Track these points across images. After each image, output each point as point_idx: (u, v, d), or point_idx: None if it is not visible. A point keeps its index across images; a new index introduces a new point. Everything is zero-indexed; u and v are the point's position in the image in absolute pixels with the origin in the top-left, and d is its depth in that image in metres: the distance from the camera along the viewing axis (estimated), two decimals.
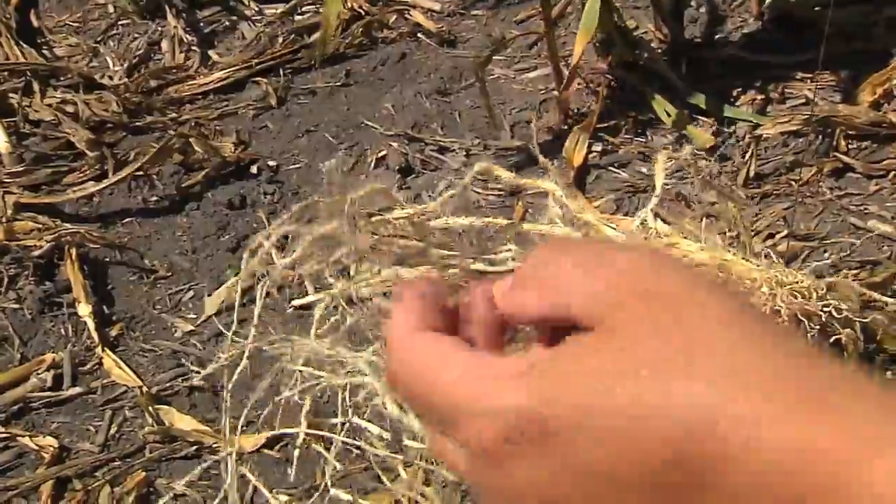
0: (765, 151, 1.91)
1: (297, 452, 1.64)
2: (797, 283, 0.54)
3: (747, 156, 1.89)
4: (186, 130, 2.22)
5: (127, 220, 2.10)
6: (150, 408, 1.72)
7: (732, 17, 2.20)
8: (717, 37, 2.17)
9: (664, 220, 0.60)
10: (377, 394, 0.57)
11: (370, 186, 0.64)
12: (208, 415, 1.73)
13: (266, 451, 1.66)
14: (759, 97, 2.02)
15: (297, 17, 2.56)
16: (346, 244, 0.61)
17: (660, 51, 2.11)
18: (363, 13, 2.46)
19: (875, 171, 1.85)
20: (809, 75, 2.04)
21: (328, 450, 0.60)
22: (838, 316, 0.53)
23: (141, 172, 2.14)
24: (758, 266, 0.55)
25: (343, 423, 0.58)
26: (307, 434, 0.58)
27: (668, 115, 1.93)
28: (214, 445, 1.68)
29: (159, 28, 2.59)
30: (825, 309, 0.53)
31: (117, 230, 2.09)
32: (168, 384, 1.78)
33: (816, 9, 2.14)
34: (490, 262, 0.63)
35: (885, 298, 0.61)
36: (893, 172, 1.85)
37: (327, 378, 0.58)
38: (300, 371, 0.60)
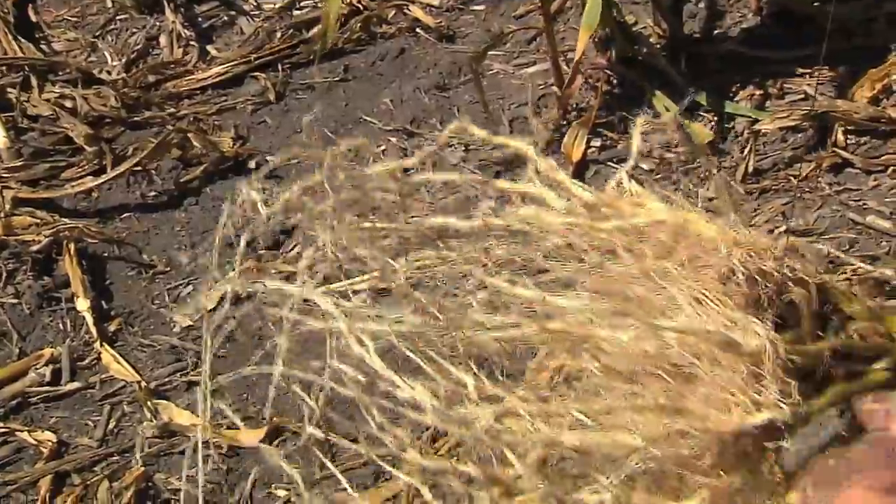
0: (763, 147, 1.91)
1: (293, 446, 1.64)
2: (755, 243, 0.54)
3: (746, 151, 1.89)
4: (185, 125, 2.22)
5: (125, 215, 2.10)
6: (149, 403, 1.72)
7: (731, 13, 2.20)
8: (715, 32, 2.17)
9: (639, 183, 0.61)
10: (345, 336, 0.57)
11: (351, 140, 0.64)
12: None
13: (265, 445, 1.66)
14: (758, 92, 2.01)
15: (296, 12, 2.56)
16: (328, 196, 0.62)
17: (659, 46, 2.11)
18: (362, 8, 2.46)
19: (874, 166, 1.85)
20: (808, 71, 2.03)
21: (307, 393, 0.61)
22: (793, 276, 0.54)
23: (139, 167, 2.14)
24: (717, 226, 0.55)
25: (322, 367, 0.58)
26: (283, 376, 0.58)
27: (668, 110, 1.93)
28: (213, 440, 1.67)
29: (157, 23, 2.59)
30: (781, 270, 0.53)
31: (116, 225, 2.08)
32: (167, 379, 1.78)
33: (815, 4, 2.14)
34: (467, 217, 0.63)
35: (851, 260, 0.61)
36: (892, 168, 1.85)
37: (310, 324, 0.58)
38: (283, 318, 0.60)
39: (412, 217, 0.63)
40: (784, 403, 0.52)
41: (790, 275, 0.55)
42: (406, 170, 0.67)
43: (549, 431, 0.53)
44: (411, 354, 0.57)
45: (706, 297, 0.53)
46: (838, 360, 0.55)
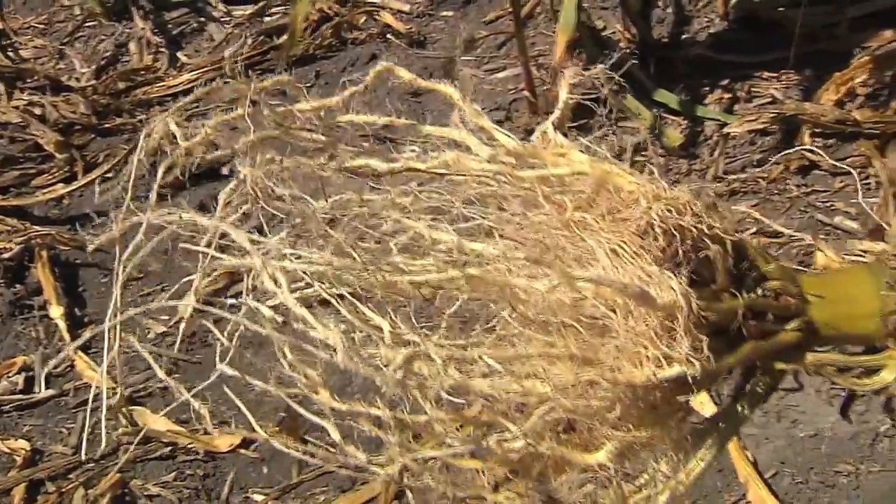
0: (733, 149, 1.94)
1: (269, 450, 1.64)
2: (674, 198, 0.55)
3: (716, 153, 1.91)
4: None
5: (97, 221, 2.09)
6: (124, 409, 1.71)
7: (699, 18, 2.23)
8: (684, 37, 2.20)
9: (564, 135, 0.61)
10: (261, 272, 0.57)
11: (276, 78, 0.64)
12: (182, 415, 1.73)
13: (242, 450, 1.66)
14: (727, 96, 2.04)
15: (266, 19, 2.56)
16: (250, 132, 0.62)
17: (628, 51, 2.13)
18: (332, 15, 2.46)
19: (840, 168, 1.88)
20: (775, 75, 2.07)
21: (219, 328, 0.60)
22: (710, 233, 0.54)
23: (111, 174, 2.13)
24: (638, 180, 0.56)
25: (238, 305, 0.58)
26: (195, 308, 0.58)
27: (639, 114, 1.95)
28: (189, 446, 1.67)
29: (126, 30, 2.58)
30: (698, 225, 0.54)
31: (88, 232, 2.07)
32: (142, 385, 1.77)
33: (780, 9, 2.18)
34: (390, 160, 0.63)
35: (776, 225, 0.62)
36: (858, 169, 1.88)
37: (225, 260, 0.58)
38: (202, 253, 0.60)
39: (334, 157, 0.63)
40: (695, 358, 0.53)
41: (707, 231, 0.55)
42: (331, 111, 0.67)
43: (460, 377, 0.54)
44: (326, 295, 0.56)
45: (623, 250, 0.54)
46: (752, 318, 0.55)
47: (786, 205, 1.84)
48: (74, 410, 1.77)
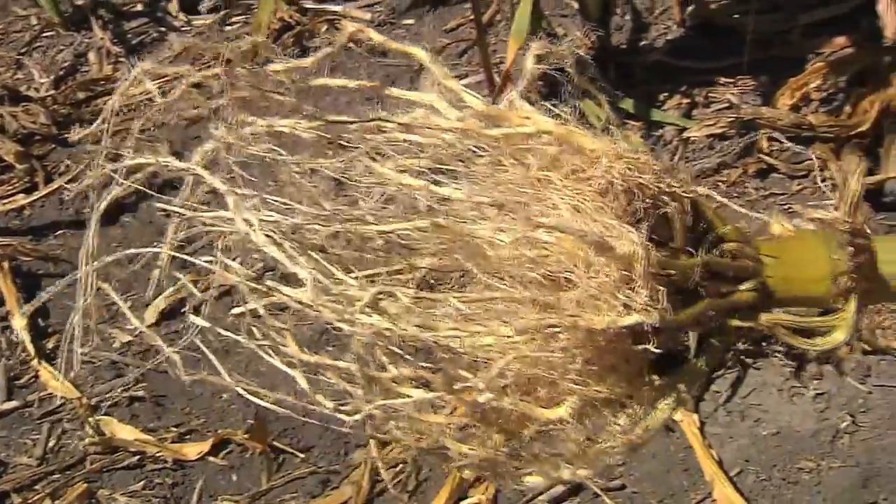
0: (692, 154, 1.97)
1: (239, 459, 1.64)
2: (635, 158, 0.57)
3: (676, 158, 1.94)
4: (118, 142, 2.20)
5: (59, 232, 2.08)
6: (91, 419, 1.70)
7: (656, 25, 2.26)
8: (642, 44, 2.23)
9: (530, 103, 0.63)
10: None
11: (250, 39, 0.65)
12: (150, 424, 1.72)
13: (211, 458, 1.66)
14: (685, 101, 2.08)
15: (227, 28, 2.56)
16: (223, 92, 0.62)
17: (588, 57, 2.16)
18: (294, 24, 2.47)
19: (797, 171, 1.92)
20: (731, 80, 2.10)
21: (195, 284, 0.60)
22: (670, 191, 0.56)
23: (72, 184, 2.12)
24: (600, 140, 0.58)
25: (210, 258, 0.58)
26: (169, 255, 0.58)
27: (599, 119, 1.98)
28: (157, 454, 1.67)
29: (85, 40, 2.57)
30: (658, 184, 0.56)
31: (49, 242, 2.06)
32: (108, 395, 1.76)
33: (736, 16, 2.21)
34: (359, 115, 0.64)
35: (733, 205, 0.64)
36: (814, 172, 1.92)
37: (200, 214, 0.58)
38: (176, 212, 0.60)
39: (306, 116, 0.64)
40: (653, 308, 0.54)
41: (666, 189, 0.57)
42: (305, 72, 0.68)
43: (426, 315, 0.55)
44: (295, 251, 0.56)
45: (585, 206, 0.55)
46: (708, 279, 0.57)
47: (745, 207, 1.86)
48: (39, 421, 1.75)
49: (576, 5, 2.24)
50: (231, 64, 0.65)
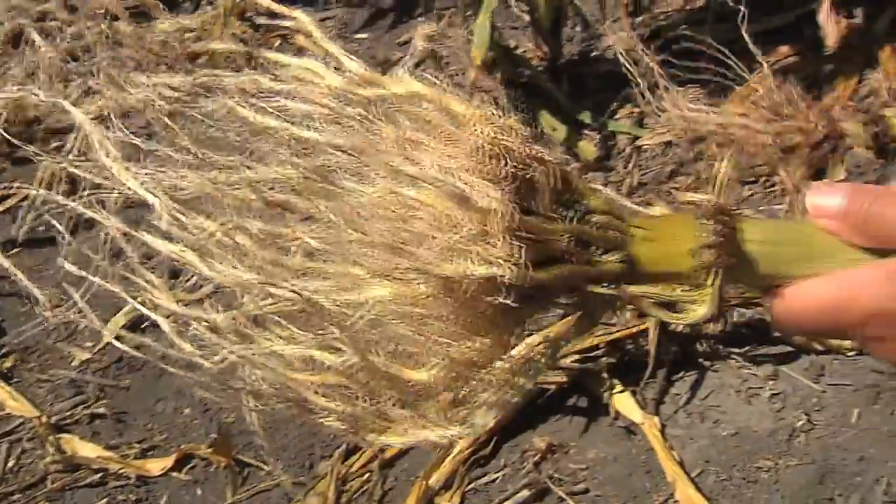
0: (646, 161, 2.01)
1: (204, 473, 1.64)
2: (504, 121, 0.58)
3: (630, 166, 1.98)
4: (71, 160, 2.18)
5: (14, 250, 2.06)
6: (51, 437, 1.69)
7: (606, 36, 2.30)
8: (593, 54, 2.26)
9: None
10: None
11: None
12: (111, 441, 1.71)
13: (174, 473, 1.65)
14: (636, 110, 2.11)
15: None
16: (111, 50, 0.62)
17: (541, 69, 2.19)
18: (247, 39, 2.47)
19: (747, 177, 1.96)
20: (682, 89, 2.14)
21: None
22: (537, 155, 0.58)
23: (26, 202, 2.10)
24: (469, 104, 0.59)
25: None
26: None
27: (555, 129, 2.01)
28: (120, 471, 1.66)
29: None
30: (525, 149, 0.57)
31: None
32: (68, 413, 1.75)
33: (684, 27, 2.25)
34: (236, 74, 0.65)
35: (628, 203, 0.65)
36: (763, 178, 1.96)
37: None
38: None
39: (186, 72, 0.64)
40: (509, 262, 0.55)
41: (534, 154, 0.58)
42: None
43: (277, 252, 0.55)
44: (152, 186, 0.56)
45: (452, 165, 0.56)
46: (575, 247, 0.58)
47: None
48: None
49: (527, 17, 2.27)
50: (118, 19, 0.65)
